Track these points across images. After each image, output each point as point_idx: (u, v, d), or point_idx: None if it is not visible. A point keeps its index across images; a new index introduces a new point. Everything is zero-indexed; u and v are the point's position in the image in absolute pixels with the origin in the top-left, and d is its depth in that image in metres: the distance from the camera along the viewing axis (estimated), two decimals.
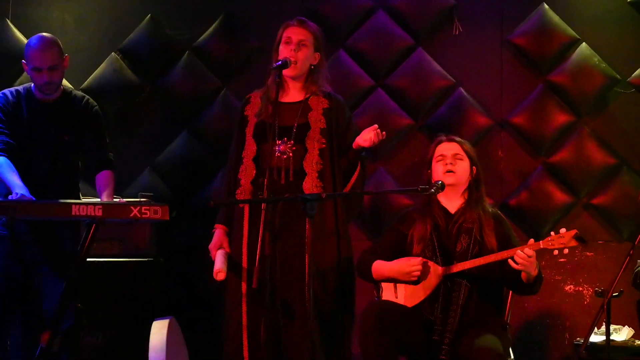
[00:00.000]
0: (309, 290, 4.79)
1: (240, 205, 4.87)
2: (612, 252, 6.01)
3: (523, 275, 4.58)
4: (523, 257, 4.47)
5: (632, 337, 5.61)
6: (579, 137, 6.15)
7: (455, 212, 4.87)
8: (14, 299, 5.28)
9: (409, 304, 4.76)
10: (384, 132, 4.71)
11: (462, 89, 6.25)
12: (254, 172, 4.88)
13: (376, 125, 4.70)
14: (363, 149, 4.80)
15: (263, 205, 4.75)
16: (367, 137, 4.72)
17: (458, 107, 6.22)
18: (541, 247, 4.51)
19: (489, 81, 6.27)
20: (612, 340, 5.27)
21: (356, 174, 4.91)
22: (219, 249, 4.90)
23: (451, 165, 4.84)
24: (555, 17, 6.17)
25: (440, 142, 4.95)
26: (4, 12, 6.44)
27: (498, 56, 6.25)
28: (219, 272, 4.77)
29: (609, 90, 6.13)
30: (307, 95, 4.95)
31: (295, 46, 4.87)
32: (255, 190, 4.86)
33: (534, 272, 4.57)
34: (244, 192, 4.87)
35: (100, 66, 6.40)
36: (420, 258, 4.73)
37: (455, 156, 4.86)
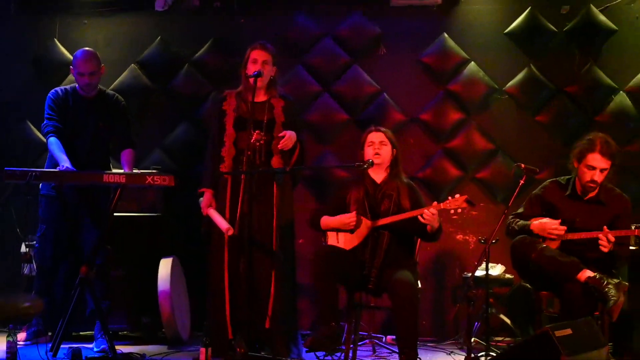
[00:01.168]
0: (276, 237, 4.91)
1: (226, 175, 4.90)
2: (491, 212, 6.02)
3: (428, 227, 4.65)
4: (428, 214, 4.55)
5: (504, 272, 5.67)
6: (468, 130, 6.15)
7: (381, 183, 4.88)
8: (63, 245, 5.29)
9: (347, 248, 4.80)
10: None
11: (385, 94, 6.21)
12: (234, 152, 4.90)
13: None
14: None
15: (243, 176, 4.81)
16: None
17: (382, 107, 6.19)
18: (441, 207, 4.55)
19: (405, 89, 6.21)
20: (490, 275, 5.30)
21: (296, 152, 4.95)
22: (209, 206, 4.92)
23: (378, 150, 4.86)
24: (452, 43, 6.15)
25: (370, 131, 4.95)
26: (52, 33, 6.32)
27: (412, 71, 6.19)
28: (229, 229, 4.73)
29: (490, 96, 6.14)
30: (269, 97, 4.98)
31: (260, 66, 4.90)
32: (235, 165, 4.89)
33: (436, 225, 4.64)
34: (227, 167, 4.90)
35: (123, 74, 6.30)
36: (355, 213, 4.78)
37: (381, 142, 4.87)
